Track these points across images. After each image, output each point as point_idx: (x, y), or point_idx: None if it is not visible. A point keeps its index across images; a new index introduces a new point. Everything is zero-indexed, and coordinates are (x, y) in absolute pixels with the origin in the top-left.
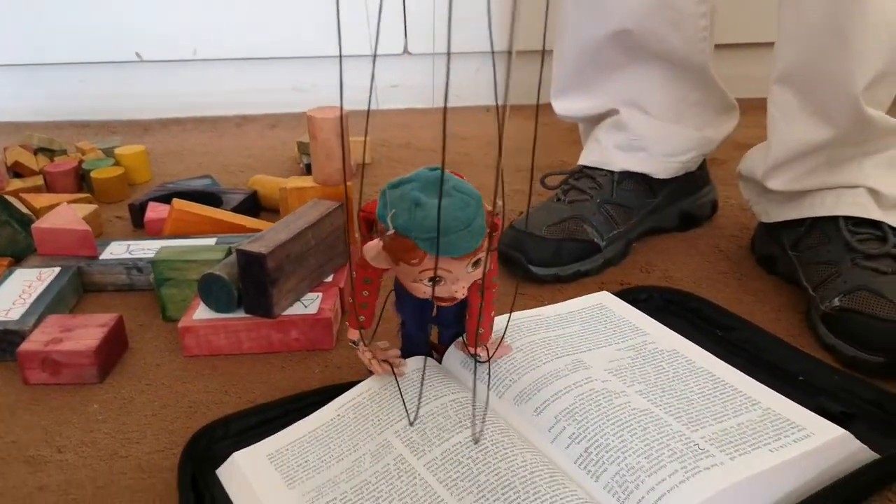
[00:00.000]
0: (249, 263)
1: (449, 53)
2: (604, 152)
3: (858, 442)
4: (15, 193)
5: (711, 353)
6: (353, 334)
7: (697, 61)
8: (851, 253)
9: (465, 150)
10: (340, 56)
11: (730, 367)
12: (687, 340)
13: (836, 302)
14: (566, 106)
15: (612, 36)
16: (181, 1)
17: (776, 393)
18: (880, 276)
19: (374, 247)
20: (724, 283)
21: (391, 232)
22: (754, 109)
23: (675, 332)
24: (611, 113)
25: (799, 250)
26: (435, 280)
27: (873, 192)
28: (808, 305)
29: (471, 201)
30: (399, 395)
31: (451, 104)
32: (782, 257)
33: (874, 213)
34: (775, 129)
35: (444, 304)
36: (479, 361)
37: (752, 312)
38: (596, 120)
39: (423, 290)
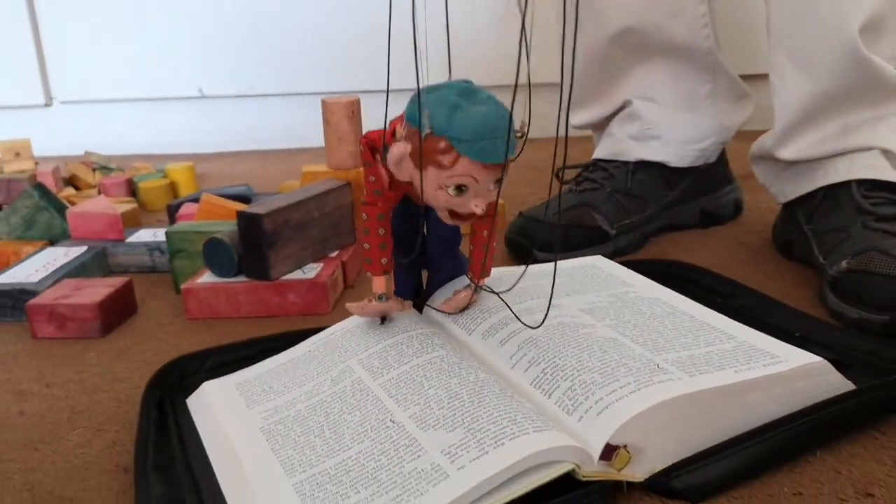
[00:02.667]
0: (248, 225)
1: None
2: (617, 144)
3: (837, 372)
4: (66, 198)
5: None
6: (379, 285)
7: (704, 48)
8: (862, 216)
9: None
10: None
11: (711, 311)
12: (671, 291)
13: (844, 264)
14: (581, 117)
15: (614, 37)
16: (241, 39)
17: (756, 331)
18: (891, 237)
19: (400, 150)
20: (737, 266)
21: (427, 132)
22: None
23: (661, 285)
24: (624, 106)
25: (813, 223)
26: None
27: (888, 154)
28: (820, 279)
29: (507, 113)
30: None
31: None
32: (799, 237)
33: (888, 174)
34: (777, 95)
35: (459, 221)
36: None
37: (762, 289)
38: (610, 119)
39: (444, 198)
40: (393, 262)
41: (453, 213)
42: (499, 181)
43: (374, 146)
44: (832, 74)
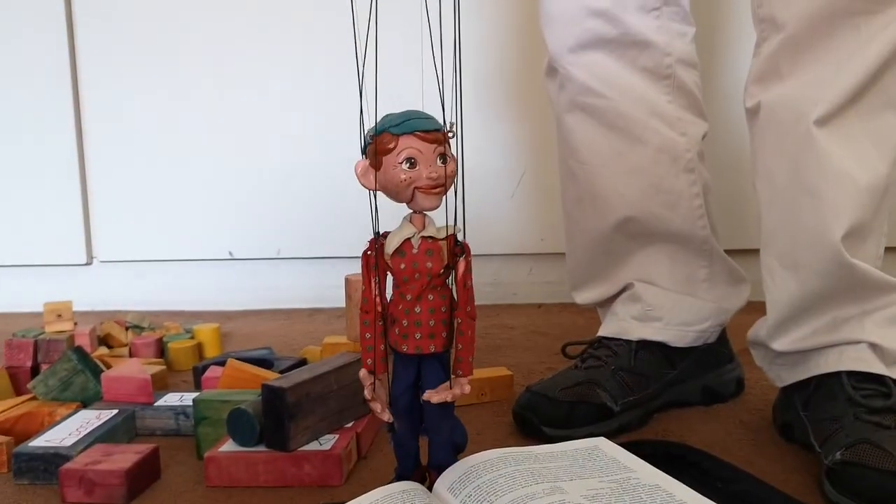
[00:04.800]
0: (271, 397)
1: None
2: (620, 323)
3: None
4: (100, 357)
5: None
6: (364, 377)
7: (700, 236)
8: (854, 407)
9: (509, 336)
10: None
11: (709, 501)
12: (672, 479)
13: (838, 455)
14: (586, 296)
15: (616, 226)
16: (269, 207)
17: None
18: (882, 430)
19: (360, 163)
20: (738, 447)
21: (370, 136)
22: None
23: (662, 472)
24: (627, 288)
25: (809, 410)
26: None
27: (875, 347)
28: (818, 465)
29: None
30: None
31: (506, 301)
32: (797, 421)
33: (876, 367)
34: (768, 292)
35: (429, 194)
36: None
37: (762, 473)
38: (614, 299)
39: (402, 175)
40: (381, 365)
41: (419, 190)
42: (443, 157)
43: (370, 262)
44: (818, 276)
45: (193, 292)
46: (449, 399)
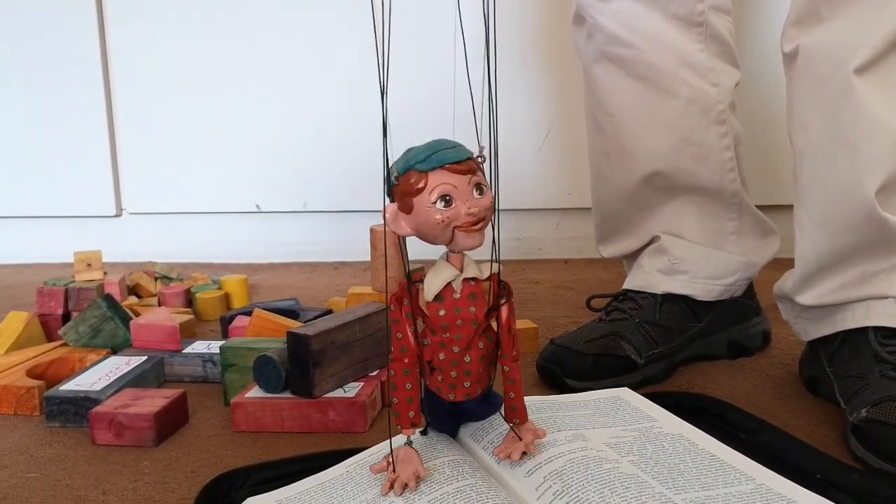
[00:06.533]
0: (296, 344)
1: None
2: (646, 276)
3: None
4: (129, 306)
5: None
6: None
7: (729, 189)
8: (880, 364)
9: (535, 291)
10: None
11: (733, 450)
12: (695, 428)
13: (864, 413)
14: (612, 250)
15: (644, 179)
16: (296, 161)
17: (775, 473)
18: None
19: (389, 208)
20: (762, 400)
21: (395, 177)
22: None
23: (685, 422)
24: (653, 240)
25: (834, 365)
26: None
27: None
28: (843, 420)
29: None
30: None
31: (532, 256)
32: (822, 376)
33: None
34: (797, 246)
35: (470, 232)
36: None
37: (787, 427)
38: (640, 251)
39: (438, 216)
40: (420, 415)
41: (459, 229)
42: (479, 187)
43: (403, 299)
44: (848, 231)
45: (221, 245)
46: (528, 451)
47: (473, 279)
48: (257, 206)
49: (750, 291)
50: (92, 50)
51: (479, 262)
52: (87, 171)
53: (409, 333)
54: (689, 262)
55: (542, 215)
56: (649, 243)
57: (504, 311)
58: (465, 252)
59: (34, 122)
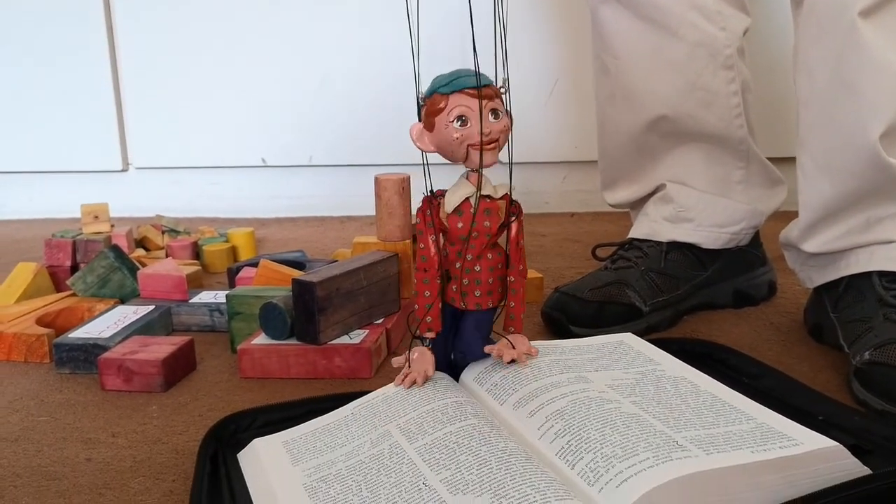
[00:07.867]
0: (301, 292)
1: None
2: (652, 224)
3: (853, 457)
4: (137, 258)
5: None
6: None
7: (736, 136)
8: (884, 308)
9: (541, 243)
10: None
11: (735, 392)
12: (697, 371)
13: (867, 356)
14: (617, 196)
15: (649, 124)
16: (302, 115)
17: (776, 413)
18: None
19: (415, 126)
20: (767, 347)
21: (423, 98)
22: None
23: (688, 365)
24: (659, 189)
25: (838, 311)
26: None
27: None
28: (847, 364)
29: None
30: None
31: (539, 210)
32: (827, 322)
33: None
34: (801, 193)
35: (483, 147)
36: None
37: (790, 372)
38: (646, 200)
39: (455, 133)
40: (438, 321)
41: (472, 147)
42: (495, 112)
43: (426, 209)
44: (853, 177)
45: (227, 199)
46: (519, 361)
47: (489, 197)
48: (263, 160)
49: (756, 241)
50: (97, 5)
51: (495, 186)
52: (93, 127)
53: (431, 244)
54: (695, 209)
55: (549, 168)
56: (655, 191)
57: (514, 227)
58: (482, 173)
59: (41, 77)
